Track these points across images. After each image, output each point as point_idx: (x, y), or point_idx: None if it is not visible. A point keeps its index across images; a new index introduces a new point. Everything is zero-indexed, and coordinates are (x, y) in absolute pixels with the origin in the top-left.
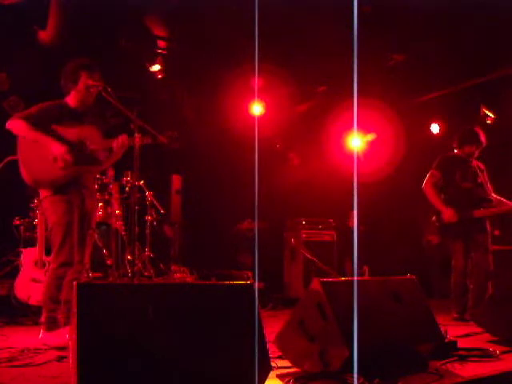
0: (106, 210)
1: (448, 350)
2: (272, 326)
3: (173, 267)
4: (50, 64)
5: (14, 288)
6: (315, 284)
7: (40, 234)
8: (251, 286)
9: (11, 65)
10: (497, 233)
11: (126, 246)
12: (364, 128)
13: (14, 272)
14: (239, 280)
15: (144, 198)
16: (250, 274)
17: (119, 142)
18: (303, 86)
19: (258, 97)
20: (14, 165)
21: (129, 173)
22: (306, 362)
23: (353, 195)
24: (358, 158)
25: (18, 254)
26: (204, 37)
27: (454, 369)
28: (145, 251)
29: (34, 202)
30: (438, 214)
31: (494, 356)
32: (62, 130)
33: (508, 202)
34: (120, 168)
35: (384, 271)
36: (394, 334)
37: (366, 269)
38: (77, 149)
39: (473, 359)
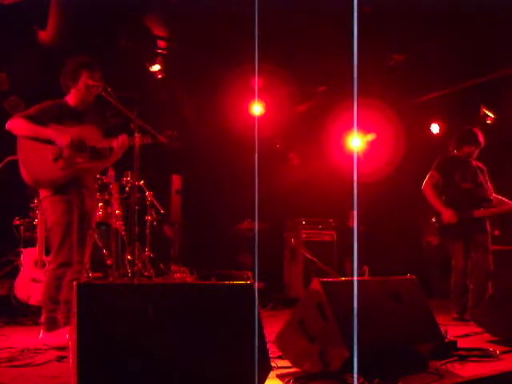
0: (106, 210)
1: (448, 349)
2: (272, 326)
3: (173, 267)
4: (50, 64)
5: (14, 288)
6: (315, 284)
7: (40, 234)
8: (251, 286)
9: (11, 65)
10: (497, 233)
11: (125, 246)
12: (364, 128)
13: (14, 272)
14: (239, 280)
15: (144, 198)
16: (250, 273)
17: (119, 141)
18: (303, 86)
19: (258, 97)
20: (14, 165)
21: (129, 173)
22: (306, 362)
23: (353, 195)
24: (358, 158)
25: (18, 254)
26: (204, 37)
27: (454, 369)
28: (145, 251)
29: (33, 202)
30: (438, 215)
31: (494, 356)
32: (61, 130)
33: (508, 201)
34: (120, 168)
35: (384, 271)
36: (394, 333)
37: (365, 269)
38: (77, 147)
39: (473, 359)
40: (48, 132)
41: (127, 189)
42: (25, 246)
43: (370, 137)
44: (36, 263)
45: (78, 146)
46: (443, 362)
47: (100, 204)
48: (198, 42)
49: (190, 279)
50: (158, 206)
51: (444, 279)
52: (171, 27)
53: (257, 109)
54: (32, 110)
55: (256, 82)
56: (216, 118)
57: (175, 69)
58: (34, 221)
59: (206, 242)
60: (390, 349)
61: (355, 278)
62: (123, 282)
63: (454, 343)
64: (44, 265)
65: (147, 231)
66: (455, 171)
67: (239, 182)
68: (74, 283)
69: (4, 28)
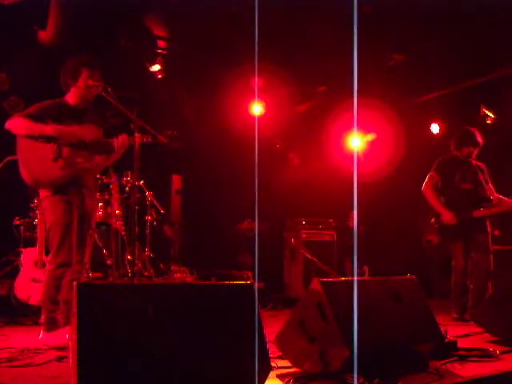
0: (106, 210)
1: (448, 349)
2: (272, 326)
3: (173, 267)
4: (50, 64)
5: (14, 288)
6: (315, 284)
7: (40, 234)
8: (251, 286)
9: (11, 65)
10: (497, 233)
11: (125, 246)
12: (364, 128)
13: (14, 272)
14: (239, 280)
15: (144, 198)
16: (250, 274)
17: (119, 141)
18: (303, 86)
19: (258, 97)
20: (14, 165)
21: (129, 173)
22: (306, 362)
23: (353, 195)
24: (358, 158)
25: (18, 254)
26: (204, 37)
27: (454, 369)
28: (145, 251)
29: (34, 202)
30: (438, 216)
31: (494, 356)
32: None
33: (509, 201)
34: (120, 168)
35: (384, 271)
36: (394, 334)
37: (365, 269)
38: (77, 144)
39: (473, 359)
40: (48, 129)
41: (127, 189)
42: (25, 246)
43: (370, 137)
44: (36, 263)
45: (78, 142)
46: (443, 362)
47: (100, 204)
48: (198, 42)
49: (190, 279)
50: (158, 206)
51: (444, 279)
52: (171, 27)
53: (257, 109)
54: (31, 110)
55: (256, 82)
56: (216, 118)
57: (175, 69)
58: (34, 221)
59: (206, 241)
60: (389, 349)
61: (355, 277)
62: (123, 282)
63: (454, 343)
64: (44, 265)
65: (147, 231)
66: (455, 172)
67: (239, 182)
68: (74, 283)
69: (4, 28)
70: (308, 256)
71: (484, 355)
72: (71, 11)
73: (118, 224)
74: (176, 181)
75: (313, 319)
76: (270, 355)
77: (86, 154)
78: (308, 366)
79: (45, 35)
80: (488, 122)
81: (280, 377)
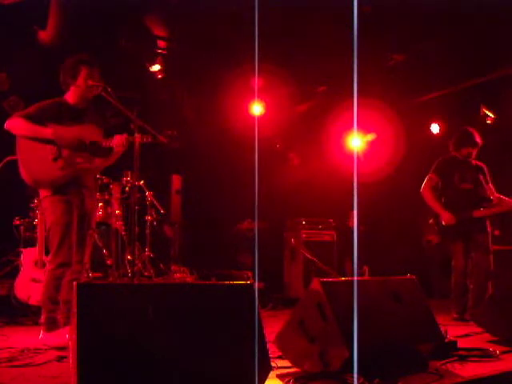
0: (106, 209)
1: (448, 349)
2: (272, 326)
3: (173, 267)
4: (50, 64)
5: (14, 288)
6: (315, 284)
7: (40, 234)
8: (251, 286)
9: (11, 65)
10: (497, 233)
11: (126, 246)
12: (364, 128)
13: (14, 272)
14: (239, 280)
15: (144, 197)
16: (250, 274)
17: (119, 141)
18: (303, 86)
19: (258, 97)
20: (14, 165)
21: (129, 173)
22: (306, 362)
23: (353, 195)
24: (358, 158)
25: (18, 254)
26: (204, 37)
27: (454, 369)
28: (145, 251)
29: (33, 202)
30: (436, 216)
31: (494, 356)
32: (61, 129)
33: (509, 200)
34: (120, 168)
35: (384, 271)
36: (394, 334)
37: (365, 269)
38: (77, 147)
39: (473, 359)
40: (47, 131)
41: (127, 189)
42: (25, 246)
43: (370, 137)
44: (36, 263)
45: (78, 146)
46: (443, 362)
47: (100, 204)
48: (198, 42)
49: (190, 279)
50: (158, 206)
51: (444, 279)
52: (171, 27)
53: (257, 109)
54: (31, 109)
55: (256, 82)
56: (216, 118)
57: (175, 69)
58: (34, 221)
59: (206, 241)
60: (390, 349)
61: (355, 277)
62: (123, 282)
63: (454, 343)
64: (44, 265)
65: (147, 231)
66: (454, 172)
67: (239, 182)
68: (74, 283)
69: (4, 28)
70: (308, 256)
71: (484, 355)
72: (71, 11)
73: (118, 224)
74: (176, 181)
75: (313, 319)
76: (270, 355)
77: (86, 155)
78: (308, 365)
79: (45, 35)
80: (488, 121)
81: (280, 377)
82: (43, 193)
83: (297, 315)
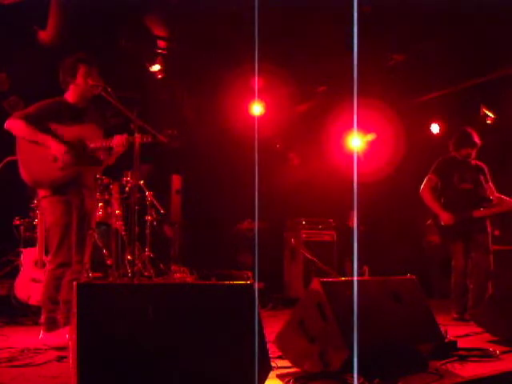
0: (106, 209)
1: (448, 349)
2: (272, 326)
3: (173, 267)
4: (50, 64)
5: (14, 288)
6: (315, 284)
7: (40, 234)
8: (251, 286)
9: (11, 65)
10: (497, 233)
11: (126, 246)
12: (364, 128)
13: (14, 272)
14: (239, 280)
15: (144, 198)
16: (250, 273)
17: (119, 141)
18: (303, 86)
19: (258, 97)
20: (14, 165)
21: (129, 173)
22: (306, 362)
23: (353, 195)
24: (358, 158)
25: (18, 254)
26: (204, 37)
27: (454, 369)
28: (145, 251)
29: (33, 202)
30: (435, 217)
31: (494, 356)
32: (61, 129)
33: (509, 200)
34: (120, 168)
35: (384, 271)
36: (394, 334)
37: (365, 269)
38: (76, 148)
39: (473, 359)
40: (46, 138)
41: (127, 189)
42: (25, 246)
43: (370, 137)
44: (36, 263)
45: (75, 153)
46: (443, 362)
47: (100, 204)
48: (198, 42)
49: (190, 279)
50: (158, 206)
51: (444, 279)
52: (171, 27)
53: (257, 109)
54: (31, 109)
55: (256, 82)
56: (216, 118)
57: (175, 69)
58: (34, 221)
59: (206, 241)
60: (390, 349)
61: (355, 277)
62: (123, 282)
63: (454, 343)
64: (44, 265)
65: (147, 231)
66: (453, 173)
67: (239, 182)
68: (74, 283)
69: (4, 28)
70: (308, 256)
71: (484, 355)
72: (71, 11)
73: (118, 224)
74: (176, 181)
75: (313, 319)
76: (270, 355)
77: (84, 160)
78: (308, 365)
79: (45, 35)
80: (488, 122)
81: (280, 377)
82: (42, 193)
83: (297, 315)
